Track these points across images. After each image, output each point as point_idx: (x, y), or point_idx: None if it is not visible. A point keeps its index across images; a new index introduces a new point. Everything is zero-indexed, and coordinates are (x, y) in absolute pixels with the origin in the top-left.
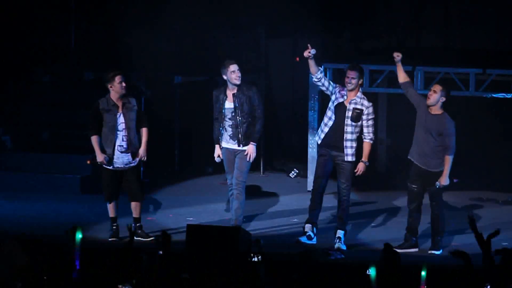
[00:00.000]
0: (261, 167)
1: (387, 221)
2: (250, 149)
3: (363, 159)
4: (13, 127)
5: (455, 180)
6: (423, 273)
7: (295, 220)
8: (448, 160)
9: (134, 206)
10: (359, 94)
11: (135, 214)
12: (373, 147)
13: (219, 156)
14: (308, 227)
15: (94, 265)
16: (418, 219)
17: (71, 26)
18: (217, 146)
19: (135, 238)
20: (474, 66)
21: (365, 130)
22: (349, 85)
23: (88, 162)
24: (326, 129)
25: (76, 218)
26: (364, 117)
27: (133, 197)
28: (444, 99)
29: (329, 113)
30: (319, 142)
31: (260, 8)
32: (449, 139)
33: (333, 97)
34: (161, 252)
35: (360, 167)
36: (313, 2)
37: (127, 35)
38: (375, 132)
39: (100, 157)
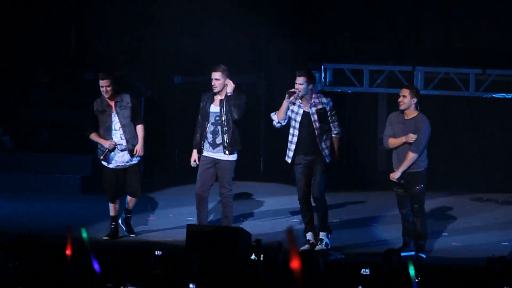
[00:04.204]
0: (261, 167)
1: (387, 221)
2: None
3: (336, 156)
4: (13, 127)
5: (402, 181)
6: (411, 271)
7: (295, 220)
8: (410, 156)
9: (130, 199)
10: (314, 95)
11: (129, 206)
12: (373, 146)
13: (195, 160)
14: (309, 235)
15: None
16: (412, 222)
17: (71, 26)
18: (194, 151)
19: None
20: (474, 66)
21: (331, 125)
22: (297, 91)
23: (102, 157)
24: (293, 146)
25: (76, 218)
26: (328, 113)
27: (132, 193)
28: (415, 100)
29: (291, 130)
30: (290, 160)
31: (260, 8)
32: (419, 137)
33: (293, 115)
34: (160, 253)
35: (334, 163)
36: (313, 2)
37: (127, 35)
38: (341, 125)
39: (107, 143)
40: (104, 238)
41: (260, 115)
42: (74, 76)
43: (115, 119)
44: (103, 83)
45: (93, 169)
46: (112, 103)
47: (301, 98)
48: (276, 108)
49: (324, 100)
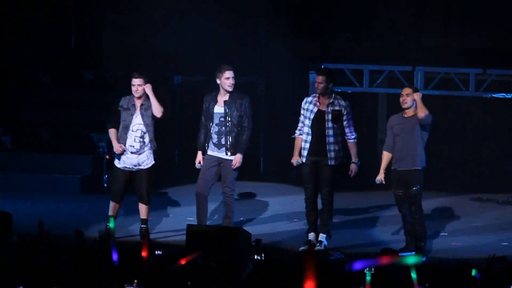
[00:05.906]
0: (261, 167)
1: (387, 221)
2: (237, 158)
3: (353, 160)
4: (13, 127)
5: (378, 181)
6: (413, 275)
7: (296, 220)
8: (425, 112)
9: (140, 207)
10: (333, 95)
11: (141, 215)
12: (373, 146)
13: (199, 162)
14: (311, 235)
15: (96, 264)
16: (410, 222)
17: (71, 26)
18: (199, 153)
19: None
20: (474, 66)
21: (347, 130)
22: (317, 90)
23: (108, 156)
24: (308, 145)
25: (76, 218)
26: (344, 117)
27: (138, 197)
28: None
29: (306, 129)
30: (304, 160)
31: (260, 8)
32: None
33: (307, 114)
34: (160, 253)
35: (353, 168)
36: (313, 2)
37: (127, 35)
38: (356, 130)
39: (117, 146)
40: (98, 238)
41: (260, 115)
42: (74, 76)
43: (135, 121)
44: (136, 81)
45: (93, 169)
46: (138, 104)
47: (319, 96)
48: (276, 107)
49: (343, 102)
